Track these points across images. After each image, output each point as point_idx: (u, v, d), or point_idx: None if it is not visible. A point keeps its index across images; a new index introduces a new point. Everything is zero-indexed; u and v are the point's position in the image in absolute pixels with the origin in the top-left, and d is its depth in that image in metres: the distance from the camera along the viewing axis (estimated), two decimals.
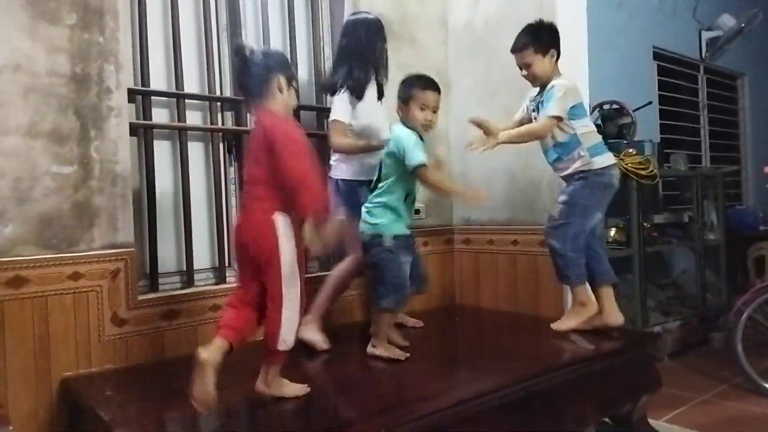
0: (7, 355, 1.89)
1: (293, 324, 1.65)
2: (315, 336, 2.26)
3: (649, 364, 2.39)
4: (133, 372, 2.08)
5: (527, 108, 2.50)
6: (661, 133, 4.66)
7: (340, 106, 2.37)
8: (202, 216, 2.54)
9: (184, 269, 2.44)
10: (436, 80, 2.20)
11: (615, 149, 3.51)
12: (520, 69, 2.39)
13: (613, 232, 3.57)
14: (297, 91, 1.81)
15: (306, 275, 1.82)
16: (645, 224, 3.70)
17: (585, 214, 2.34)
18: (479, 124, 2.34)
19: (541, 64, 2.31)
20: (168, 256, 2.44)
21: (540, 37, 2.32)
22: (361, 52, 2.41)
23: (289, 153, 1.60)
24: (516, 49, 2.37)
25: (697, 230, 4.09)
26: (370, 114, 2.39)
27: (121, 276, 2.13)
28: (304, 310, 1.76)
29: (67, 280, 2.01)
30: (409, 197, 2.19)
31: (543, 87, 2.37)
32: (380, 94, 2.46)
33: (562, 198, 2.39)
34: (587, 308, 2.37)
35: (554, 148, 2.39)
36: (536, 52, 2.30)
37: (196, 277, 2.45)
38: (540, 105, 2.36)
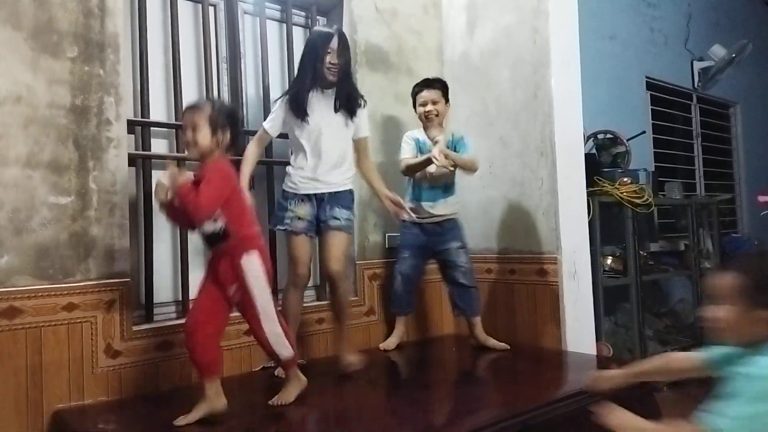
0: None
1: None
2: None
3: (647, 396, 2.37)
4: (126, 404, 2.05)
5: (422, 148, 2.69)
6: (655, 162, 4.71)
7: (271, 113, 2.38)
8: (198, 245, 2.53)
9: (180, 299, 2.43)
10: None
11: (610, 178, 3.56)
12: (423, 105, 2.68)
13: (609, 260, 3.58)
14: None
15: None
16: (641, 252, 3.71)
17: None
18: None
19: (443, 107, 2.70)
20: (164, 285, 2.43)
21: (447, 88, 2.74)
22: (299, 68, 2.36)
23: None
24: (431, 85, 2.70)
25: (693, 258, 4.10)
26: (324, 135, 2.32)
27: (116, 306, 2.11)
28: None
29: (61, 310, 2.00)
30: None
31: (427, 129, 2.70)
32: (348, 114, 2.37)
33: (457, 244, 2.70)
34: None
35: (442, 189, 2.70)
36: (443, 96, 2.71)
37: (191, 306, 2.44)
38: (450, 146, 2.64)
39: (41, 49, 2.02)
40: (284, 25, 2.88)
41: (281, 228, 2.33)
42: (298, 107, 2.29)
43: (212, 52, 2.60)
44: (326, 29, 2.34)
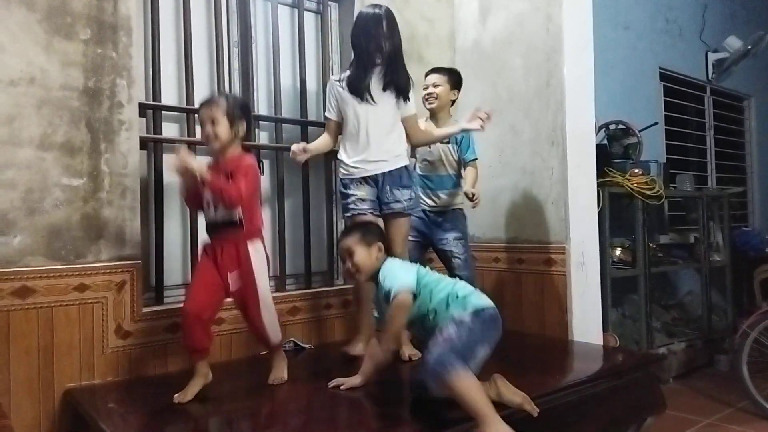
0: (11, 366, 1.90)
1: None
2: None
3: (653, 386, 2.37)
4: (136, 385, 2.08)
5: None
6: (667, 154, 4.67)
7: (326, 101, 2.41)
8: None
9: (190, 281, 2.44)
10: None
11: (621, 169, 3.54)
12: (425, 88, 2.69)
13: (618, 251, 3.56)
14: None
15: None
16: (651, 244, 3.69)
17: (469, 243, 2.78)
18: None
19: (446, 92, 2.67)
20: (174, 268, 2.45)
21: (456, 76, 2.73)
22: (354, 49, 2.35)
23: None
24: (437, 70, 2.72)
25: (702, 251, 4.08)
26: (372, 115, 2.30)
27: (126, 288, 2.14)
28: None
29: (73, 291, 2.03)
30: None
31: (433, 115, 2.70)
32: (397, 93, 2.32)
33: (456, 234, 2.67)
34: None
35: (447, 180, 2.70)
36: (448, 83, 2.68)
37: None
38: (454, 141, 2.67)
39: (55, 31, 2.03)
40: (296, 10, 2.87)
41: (348, 215, 2.33)
42: (357, 88, 2.28)
43: (224, 37, 2.60)
44: (374, 10, 2.32)
